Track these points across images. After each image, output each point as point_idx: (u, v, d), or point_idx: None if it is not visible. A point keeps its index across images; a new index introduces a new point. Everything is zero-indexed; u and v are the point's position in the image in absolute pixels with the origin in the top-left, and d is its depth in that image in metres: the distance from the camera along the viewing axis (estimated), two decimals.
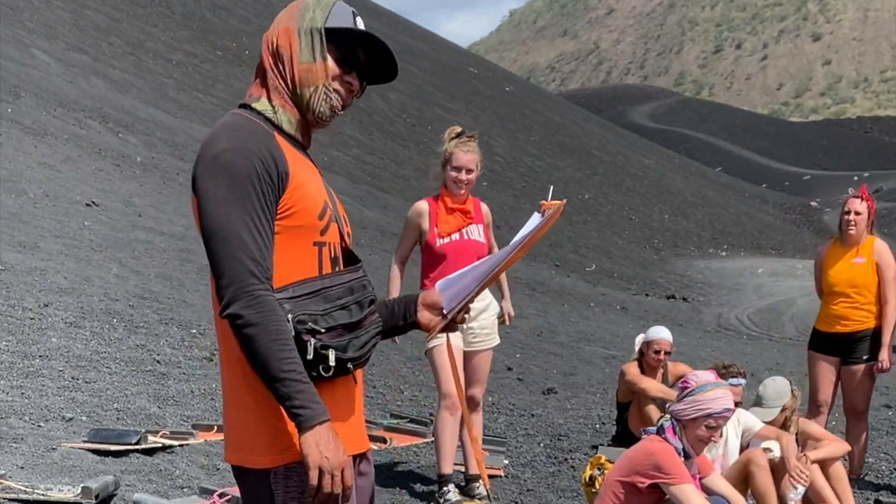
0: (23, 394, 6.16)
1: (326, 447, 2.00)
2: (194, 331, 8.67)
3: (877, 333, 6.20)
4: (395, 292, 5.34)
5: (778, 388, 5.51)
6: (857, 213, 6.17)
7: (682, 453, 4.11)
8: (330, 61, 2.20)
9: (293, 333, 2.04)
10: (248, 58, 32.80)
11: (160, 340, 8.12)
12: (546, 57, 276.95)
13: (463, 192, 5.34)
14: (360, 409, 2.24)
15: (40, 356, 6.94)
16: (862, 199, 6.22)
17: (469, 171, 5.30)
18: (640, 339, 6.68)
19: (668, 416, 4.22)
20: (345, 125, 30.46)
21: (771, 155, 72.43)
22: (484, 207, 5.53)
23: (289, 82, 2.20)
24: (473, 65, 58.11)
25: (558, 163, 39.31)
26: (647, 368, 6.51)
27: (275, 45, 2.22)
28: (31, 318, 7.72)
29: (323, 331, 2.08)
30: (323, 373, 2.07)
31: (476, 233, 5.37)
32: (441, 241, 5.30)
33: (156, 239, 12.40)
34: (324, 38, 2.20)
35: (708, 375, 4.31)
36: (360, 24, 2.25)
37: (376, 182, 26.64)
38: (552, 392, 9.25)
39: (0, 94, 17.49)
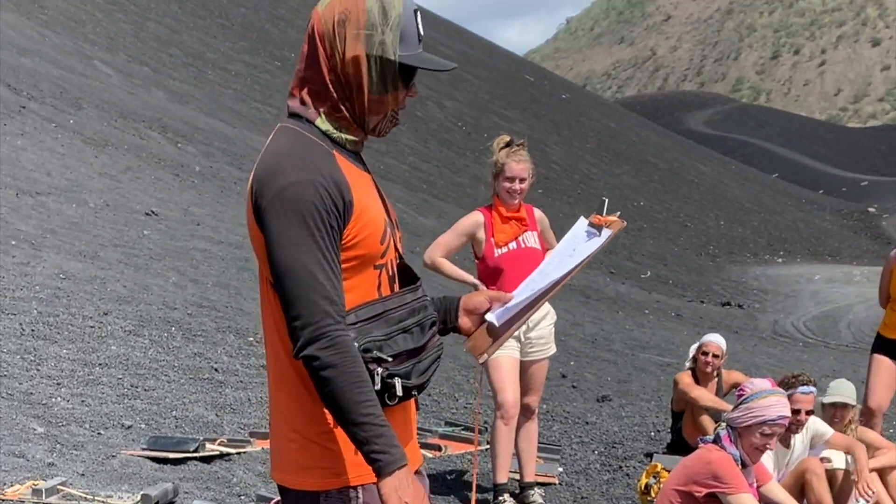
0: (83, 401, 6.28)
1: (405, 492, 1.98)
2: (251, 339, 8.76)
3: None
4: (460, 272, 5.34)
5: (845, 384, 5.59)
6: None
7: (739, 462, 4.08)
8: (401, 90, 2.11)
9: None
10: None
11: (218, 349, 8.21)
12: (603, 64, 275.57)
13: (517, 201, 5.32)
14: (409, 431, 2.21)
15: (100, 364, 7.07)
16: None
17: (522, 179, 5.28)
18: (693, 347, 6.64)
19: (724, 424, 4.19)
20: (401, 133, 30.62)
21: (828, 161, 71.28)
22: (538, 213, 5.50)
23: (356, 109, 2.11)
24: (530, 72, 58.04)
25: (614, 170, 39.08)
26: (700, 376, 6.46)
27: (339, 68, 2.08)
28: (91, 327, 7.86)
29: (389, 359, 2.04)
30: (388, 401, 2.04)
31: (532, 240, 5.35)
32: (499, 250, 5.29)
33: (214, 248, 12.56)
34: (397, 71, 2.08)
35: (764, 383, 4.28)
36: (420, 25, 2.13)
37: (432, 190, 26.73)
38: (607, 399, 9.20)
39: (62, 105, 17.90)
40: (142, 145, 17.98)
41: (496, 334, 2.28)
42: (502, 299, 2.29)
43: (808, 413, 5.10)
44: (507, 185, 5.28)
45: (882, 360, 6.25)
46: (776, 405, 4.09)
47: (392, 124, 2.16)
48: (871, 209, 46.71)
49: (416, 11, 2.12)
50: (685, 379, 6.43)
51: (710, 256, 30.02)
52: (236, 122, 24.44)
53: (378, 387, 2.01)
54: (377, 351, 2.03)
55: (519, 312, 2.27)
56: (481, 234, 5.33)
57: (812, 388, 5.28)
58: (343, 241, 2.04)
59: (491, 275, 5.30)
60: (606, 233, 2.23)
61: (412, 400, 2.17)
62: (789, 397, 4.69)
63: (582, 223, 2.27)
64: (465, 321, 2.30)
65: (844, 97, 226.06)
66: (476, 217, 5.38)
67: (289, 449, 2.09)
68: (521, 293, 2.31)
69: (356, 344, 2.01)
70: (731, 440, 4.11)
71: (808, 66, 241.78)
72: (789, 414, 4.21)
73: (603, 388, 9.92)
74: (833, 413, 5.54)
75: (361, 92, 2.08)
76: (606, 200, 2.48)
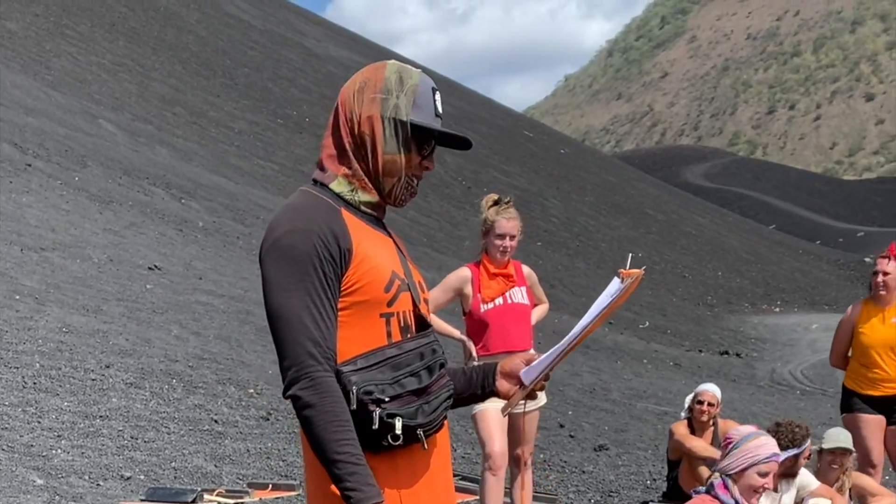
0: (83, 453, 6.33)
1: None
2: (251, 390, 8.84)
3: None
4: (447, 327, 5.38)
5: (842, 431, 5.66)
6: (885, 273, 6.11)
7: None
8: (413, 153, 2.19)
9: (357, 405, 2.05)
10: (308, 125, 33.58)
11: (218, 400, 8.29)
12: (601, 120, 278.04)
13: (506, 258, 5.40)
14: (434, 473, 2.20)
15: (101, 416, 7.13)
16: (891, 259, 6.16)
17: (512, 237, 5.36)
18: (689, 397, 6.69)
19: (717, 474, 4.22)
20: None
21: (825, 212, 71.66)
22: (525, 269, 5.57)
23: (371, 170, 2.18)
24: (529, 128, 58.62)
25: (612, 222, 39.31)
26: (696, 425, 6.51)
27: (357, 130, 2.18)
28: (93, 380, 7.93)
29: (388, 399, 2.07)
30: (392, 441, 2.07)
31: (519, 295, 5.42)
32: (485, 306, 5.35)
33: (215, 301, 12.67)
34: (409, 132, 2.17)
35: (748, 428, 4.35)
36: (440, 104, 2.24)
37: (432, 243, 26.91)
38: (603, 449, 9.26)
39: (68, 162, 18.15)
40: (146, 201, 18.18)
41: (524, 389, 2.34)
42: (535, 359, 2.34)
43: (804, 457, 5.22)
44: (498, 242, 5.36)
45: (863, 419, 6.21)
46: (766, 444, 4.15)
47: (409, 192, 2.22)
48: (867, 259, 46.89)
49: (434, 90, 2.22)
50: (681, 429, 6.49)
51: (709, 306, 30.12)
52: (239, 178, 24.71)
53: (376, 426, 2.05)
54: (378, 393, 2.07)
55: (546, 367, 2.31)
56: (468, 290, 5.40)
57: (806, 445, 5.37)
58: (343, 288, 2.10)
59: (478, 329, 5.37)
60: (627, 281, 2.27)
61: (439, 444, 2.21)
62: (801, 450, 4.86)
63: (615, 282, 2.29)
64: (503, 384, 2.34)
65: (840, 150, 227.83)
66: (463, 273, 5.45)
67: (318, 496, 2.14)
68: (551, 350, 2.37)
69: (357, 387, 2.06)
70: (725, 488, 4.13)
71: (803, 121, 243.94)
72: (779, 452, 4.28)
73: (600, 437, 9.99)
74: (832, 460, 5.57)
75: (376, 152, 2.17)
76: (630, 255, 2.58)
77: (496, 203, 5.44)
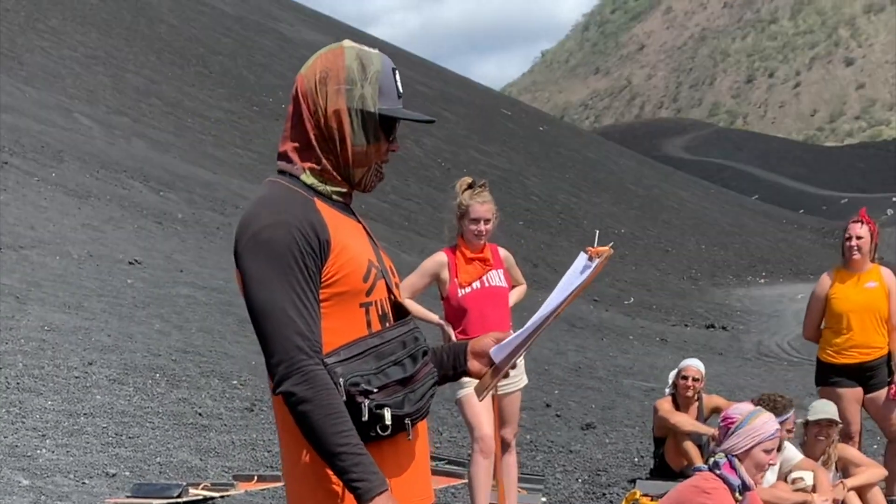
0: (67, 452, 6.32)
1: None
2: (235, 382, 8.83)
3: (890, 358, 6.15)
4: (426, 312, 5.39)
5: (828, 403, 5.67)
6: (859, 238, 6.07)
7: (740, 488, 4.09)
8: (382, 141, 2.17)
9: (345, 397, 2.04)
10: (284, 112, 33.40)
11: (202, 393, 8.27)
12: (579, 95, 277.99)
13: (482, 241, 5.39)
14: (417, 462, 2.21)
15: (85, 414, 7.11)
16: (863, 223, 6.13)
17: (487, 220, 5.35)
18: (672, 373, 6.72)
19: (721, 454, 4.16)
20: None
21: (807, 181, 71.98)
22: (502, 252, 5.58)
23: (340, 162, 2.17)
24: (506, 106, 58.55)
25: (594, 199, 39.40)
26: (681, 401, 6.54)
27: (323, 123, 2.16)
28: (76, 377, 7.91)
29: (376, 390, 2.07)
30: (381, 432, 2.07)
31: (497, 278, 5.42)
32: (463, 290, 5.35)
33: (197, 293, 12.64)
34: (378, 123, 2.15)
35: (747, 405, 4.35)
36: (399, 83, 2.21)
37: (413, 226, 26.92)
38: (591, 427, 9.28)
39: (44, 159, 18.02)
40: (124, 195, 18.10)
41: (497, 371, 2.32)
42: (506, 338, 2.32)
43: (789, 431, 5.24)
44: (473, 227, 5.35)
45: (840, 391, 6.18)
46: (769, 421, 4.16)
47: (377, 178, 2.21)
48: None
49: (394, 70, 2.20)
50: (665, 405, 6.51)
51: (693, 280, 30.25)
52: (217, 168, 24.61)
53: (366, 418, 2.05)
54: (365, 384, 2.06)
55: (517, 346, 2.29)
56: (445, 275, 5.39)
57: (789, 413, 5.43)
58: (323, 279, 2.08)
59: (456, 314, 5.37)
60: (597, 260, 2.27)
61: (420, 433, 2.20)
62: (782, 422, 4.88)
63: (581, 258, 2.29)
64: (473, 364, 2.32)
65: (821, 117, 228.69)
66: (440, 258, 5.44)
67: (300, 493, 2.13)
68: (522, 329, 2.35)
69: (343, 379, 2.04)
70: (731, 468, 4.11)
71: (783, 89, 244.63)
72: (778, 425, 4.30)
73: (587, 415, 9.99)
74: (818, 431, 5.58)
75: (345, 144, 2.15)
76: (598, 232, 2.55)
77: (470, 187, 5.43)
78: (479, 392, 2.37)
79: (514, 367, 2.32)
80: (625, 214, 38.49)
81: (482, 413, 5.27)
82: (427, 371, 2.19)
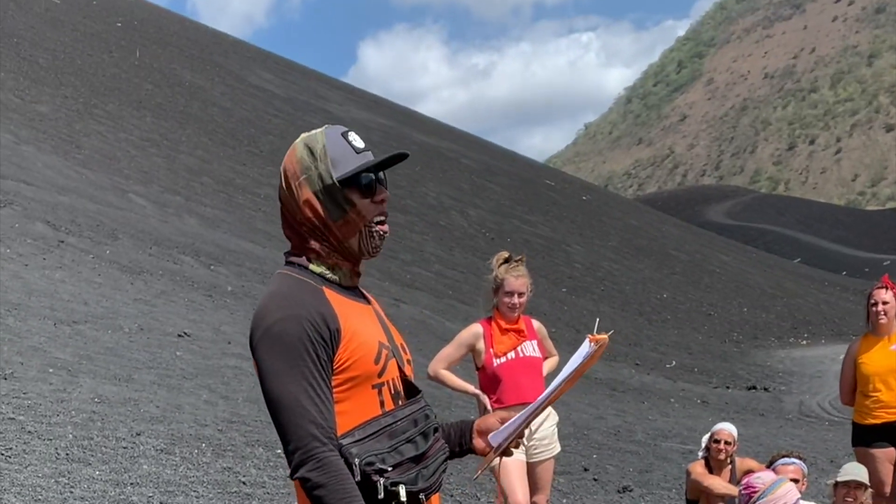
0: None
1: None
2: (279, 451, 8.77)
3: None
4: (462, 382, 5.64)
5: (858, 465, 5.78)
6: (885, 303, 6.31)
7: None
8: (358, 203, 2.24)
9: (361, 476, 2.12)
10: None
11: (246, 462, 8.28)
12: (622, 165, 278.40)
13: (516, 314, 5.59)
14: None
15: (132, 483, 7.11)
16: (888, 289, 6.37)
17: (521, 294, 5.53)
18: (705, 437, 6.83)
19: None
20: (426, 243, 31.29)
21: (849, 243, 71.10)
22: (536, 323, 5.76)
23: (334, 242, 2.25)
24: (550, 177, 58.89)
25: (636, 265, 39.36)
26: (714, 464, 6.63)
27: (302, 218, 2.25)
28: (124, 447, 7.91)
29: (390, 468, 2.14)
30: None
31: (531, 349, 5.59)
32: (498, 360, 5.51)
33: (244, 364, 12.64)
34: (341, 190, 2.23)
35: (770, 474, 4.45)
36: (356, 141, 2.28)
37: (457, 295, 27.13)
38: (627, 490, 9.25)
39: (99, 237, 18.56)
40: (175, 270, 18.45)
41: (496, 450, 2.40)
42: (510, 418, 2.40)
43: (794, 481, 5.34)
44: (507, 299, 5.56)
45: (873, 452, 6.32)
46: (791, 490, 4.26)
47: (376, 238, 2.27)
48: None
49: (344, 133, 2.28)
50: (698, 468, 6.62)
51: (735, 343, 30.01)
52: (266, 242, 25.12)
53: (382, 496, 2.12)
54: (379, 463, 2.14)
55: (516, 427, 2.37)
56: (481, 345, 5.58)
57: (794, 460, 5.59)
58: (335, 366, 2.16)
59: (491, 384, 5.55)
60: (593, 346, 2.30)
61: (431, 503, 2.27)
62: (773, 470, 5.02)
63: (585, 344, 2.32)
64: (478, 442, 2.41)
65: (861, 182, 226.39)
66: (475, 329, 5.65)
67: None
68: (521, 413, 2.44)
69: (359, 459, 2.13)
70: None
71: (824, 155, 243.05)
72: (800, 495, 4.39)
73: (624, 479, 9.98)
74: (846, 493, 5.68)
75: (328, 226, 2.25)
76: (598, 320, 2.73)
77: (506, 261, 5.64)
78: (478, 470, 2.50)
79: (516, 445, 2.41)
80: (667, 279, 38.42)
81: (516, 480, 5.40)
82: (438, 447, 2.28)
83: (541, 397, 2.36)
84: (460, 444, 2.41)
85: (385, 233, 2.29)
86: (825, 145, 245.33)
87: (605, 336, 2.31)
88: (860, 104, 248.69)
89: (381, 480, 2.12)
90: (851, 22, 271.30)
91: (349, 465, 2.13)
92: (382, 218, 2.28)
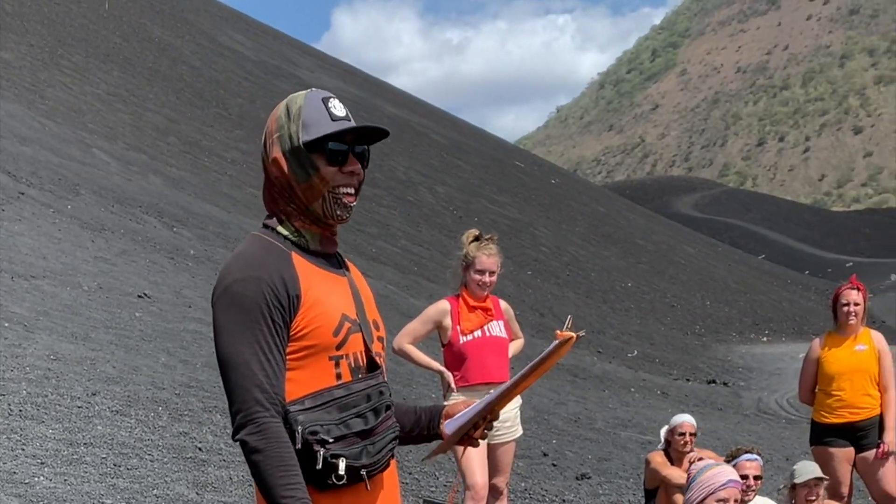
0: (65, 480, 6.31)
1: None
2: None
3: (881, 420, 6.27)
4: (427, 359, 5.55)
5: (810, 463, 5.72)
6: (856, 304, 6.26)
7: None
8: (323, 169, 2.23)
9: (301, 445, 2.11)
10: None
11: (203, 428, 8.30)
12: (592, 150, 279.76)
13: (486, 292, 5.52)
14: None
15: (85, 444, 7.13)
16: (858, 290, 6.33)
17: (492, 272, 5.47)
18: (664, 429, 6.82)
19: None
20: (392, 217, 31.05)
21: (814, 243, 72.22)
22: (503, 304, 5.70)
23: (299, 203, 2.25)
24: (520, 159, 58.93)
25: (602, 252, 39.51)
26: (674, 455, 6.63)
27: (273, 175, 2.26)
28: (79, 407, 7.94)
29: (332, 440, 2.14)
30: (335, 481, 2.14)
31: (497, 329, 5.54)
32: (464, 338, 5.46)
33: (204, 329, 12.71)
34: (307, 153, 2.23)
35: (706, 461, 4.48)
36: (335, 108, 2.27)
37: (422, 271, 27.03)
38: (585, 478, 9.32)
39: (61, 191, 18.25)
40: (138, 229, 18.26)
41: (449, 438, 2.40)
42: (474, 405, 2.40)
43: (756, 479, 5.32)
44: (478, 277, 5.47)
45: (832, 451, 6.30)
46: (721, 472, 4.27)
47: (339, 206, 2.25)
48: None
49: (325, 99, 2.26)
50: (657, 458, 6.62)
51: (697, 336, 30.26)
52: (231, 207, 24.84)
53: (320, 466, 2.12)
54: (323, 434, 2.13)
55: (471, 418, 2.37)
56: (447, 322, 5.51)
57: (755, 456, 5.49)
58: (291, 333, 2.16)
59: (456, 361, 5.48)
60: (555, 343, 2.28)
61: (385, 484, 2.27)
62: (735, 465, 4.96)
63: (554, 342, 2.31)
64: (444, 427, 2.42)
65: (828, 182, 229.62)
66: (443, 305, 5.57)
67: None
68: (478, 402, 2.41)
69: (302, 427, 2.12)
70: None
71: (792, 153, 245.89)
72: (738, 478, 4.38)
73: (583, 466, 10.04)
74: (807, 492, 5.62)
75: (291, 186, 2.24)
76: (570, 317, 2.65)
77: (477, 239, 5.56)
78: (427, 457, 2.49)
79: (483, 436, 2.39)
80: (633, 268, 38.58)
81: (476, 462, 5.36)
82: (388, 425, 2.26)
83: (500, 389, 2.33)
84: (429, 427, 2.41)
85: (351, 203, 2.26)
86: (794, 143, 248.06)
87: (571, 334, 2.26)
88: (830, 104, 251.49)
89: (322, 451, 2.12)
90: (825, 21, 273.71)
91: (292, 433, 2.12)
92: (350, 190, 2.25)
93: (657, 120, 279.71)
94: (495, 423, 5.36)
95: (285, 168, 2.24)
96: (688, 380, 22.51)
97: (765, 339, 31.63)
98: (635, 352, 24.86)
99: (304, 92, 2.29)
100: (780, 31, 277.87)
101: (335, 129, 2.22)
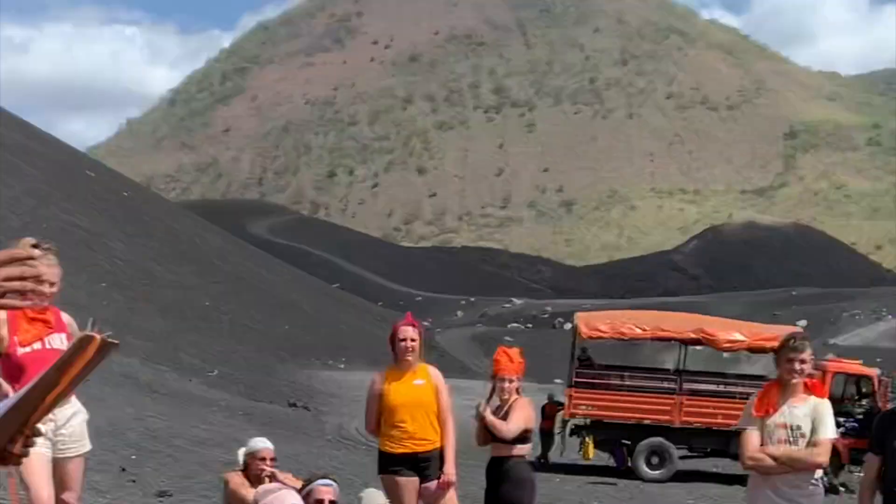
0: None
1: None
2: None
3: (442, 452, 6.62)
4: None
5: (375, 493, 5.95)
6: (412, 340, 6.55)
7: None
8: None
9: None
10: None
11: None
12: (166, 166, 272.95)
13: (45, 302, 5.30)
14: None
15: None
16: (414, 326, 6.64)
17: (52, 284, 5.21)
18: (242, 451, 6.77)
19: None
20: None
21: (386, 276, 76.59)
22: (66, 317, 5.50)
23: None
24: (91, 167, 55.86)
25: (178, 269, 38.79)
26: (253, 479, 6.57)
27: None
28: None
29: None
30: None
31: (58, 341, 5.33)
32: (22, 349, 5.25)
33: None
34: None
35: (275, 483, 4.76)
36: None
37: None
38: (167, 495, 9.30)
39: None
40: None
41: None
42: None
43: (332, 502, 5.44)
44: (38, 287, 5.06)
45: (400, 480, 6.50)
46: (284, 496, 4.48)
47: None
48: (425, 323, 50.59)
49: None
50: (235, 479, 6.57)
51: (279, 359, 30.61)
52: None
53: None
54: None
55: None
56: (4, 332, 5.25)
57: (330, 482, 5.52)
58: None
59: (12, 373, 5.21)
60: (73, 342, 2.02)
61: None
62: (310, 491, 5.07)
63: (72, 342, 2.06)
64: None
65: (397, 218, 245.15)
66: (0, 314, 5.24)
67: None
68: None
69: None
70: None
71: (362, 187, 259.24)
72: (301, 502, 4.55)
73: (164, 482, 9.94)
74: None
75: None
76: (91, 319, 2.38)
77: (35, 246, 5.13)
78: None
79: (25, 445, 2.05)
80: (210, 287, 38.15)
81: (41, 478, 5.16)
82: None
83: (18, 395, 2.05)
84: None
85: None
86: (363, 178, 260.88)
87: (92, 333, 1.97)
88: (396, 144, 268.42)
89: None
90: (388, 65, 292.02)
91: None
92: None
93: (230, 142, 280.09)
94: (62, 437, 5.25)
95: None
96: (271, 402, 22.56)
97: (342, 366, 32.69)
98: (216, 371, 24.43)
99: None
100: (346, 69, 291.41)
101: None
